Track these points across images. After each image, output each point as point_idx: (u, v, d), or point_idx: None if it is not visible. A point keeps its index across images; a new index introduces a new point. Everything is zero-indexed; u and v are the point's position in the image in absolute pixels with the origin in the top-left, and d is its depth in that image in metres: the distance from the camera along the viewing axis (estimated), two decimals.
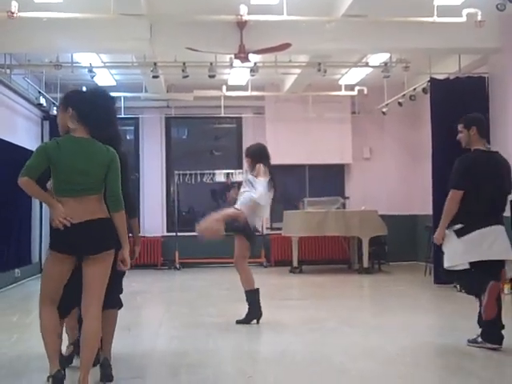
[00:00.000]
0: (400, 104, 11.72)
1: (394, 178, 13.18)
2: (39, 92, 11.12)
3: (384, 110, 12.28)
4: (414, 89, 11.15)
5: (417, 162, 12.85)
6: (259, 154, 7.12)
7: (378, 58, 10.54)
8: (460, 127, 5.56)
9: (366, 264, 11.36)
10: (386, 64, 10.42)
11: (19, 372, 4.75)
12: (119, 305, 4.59)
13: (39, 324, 3.94)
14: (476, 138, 5.47)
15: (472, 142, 5.49)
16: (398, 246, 12.58)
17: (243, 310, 6.69)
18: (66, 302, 4.10)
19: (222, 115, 12.67)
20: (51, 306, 3.96)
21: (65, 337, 4.50)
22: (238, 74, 11.25)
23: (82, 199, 3.85)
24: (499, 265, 5.27)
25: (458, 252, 5.27)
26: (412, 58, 10.30)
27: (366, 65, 10.87)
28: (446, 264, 5.38)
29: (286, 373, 4.78)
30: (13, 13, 7.10)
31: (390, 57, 10.38)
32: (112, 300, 4.37)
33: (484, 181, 5.32)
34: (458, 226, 5.33)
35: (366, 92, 12.20)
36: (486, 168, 5.38)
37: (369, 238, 11.35)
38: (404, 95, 11.54)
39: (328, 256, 12.80)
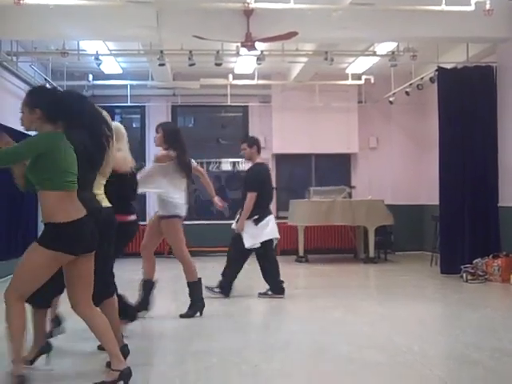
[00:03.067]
0: (407, 93, 11.67)
1: (400, 168, 13.15)
2: (45, 79, 11.10)
3: (391, 99, 12.23)
4: (422, 78, 11.10)
5: (423, 151, 12.81)
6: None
7: (385, 47, 10.47)
8: (243, 146, 7.66)
9: (372, 253, 11.36)
10: (393, 53, 10.36)
11: None
12: (116, 291, 4.65)
13: (10, 322, 3.74)
14: (255, 154, 7.67)
15: (253, 157, 7.66)
16: (405, 235, 12.58)
17: (251, 298, 6.70)
18: (47, 293, 4.19)
19: (229, 104, 12.65)
20: (24, 303, 3.84)
21: None
22: (244, 63, 11.21)
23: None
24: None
25: (254, 235, 7.41)
26: (419, 46, 10.24)
27: (374, 54, 10.81)
28: (248, 245, 7.39)
29: (292, 361, 4.79)
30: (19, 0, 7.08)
31: (398, 45, 10.32)
32: (110, 288, 4.48)
33: (267, 185, 7.74)
34: (256, 217, 7.42)
35: (372, 81, 12.15)
36: (268, 177, 7.82)
37: (375, 227, 11.34)
38: (411, 84, 11.48)
39: (334, 245, 12.79)
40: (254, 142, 7.74)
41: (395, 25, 8.75)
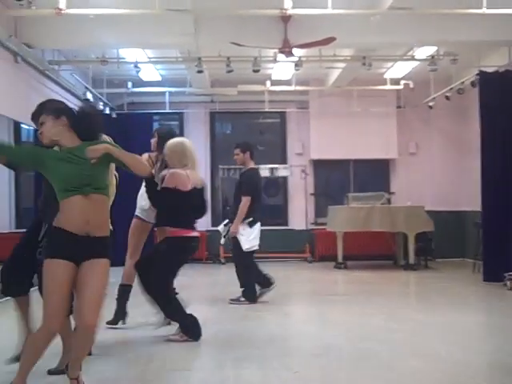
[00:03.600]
0: (447, 98, 11.51)
1: (440, 174, 12.96)
2: (86, 87, 11.27)
3: (430, 104, 12.08)
4: (462, 82, 10.93)
5: (464, 157, 12.59)
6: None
7: (424, 51, 10.35)
8: (237, 151, 7.76)
9: (412, 260, 11.20)
10: (432, 57, 10.22)
11: None
12: None
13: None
14: (249, 160, 7.77)
15: (246, 162, 7.77)
16: (445, 242, 12.37)
17: (291, 304, 6.67)
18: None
19: (266, 110, 12.66)
20: None
21: None
22: (282, 69, 11.20)
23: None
24: None
25: (251, 238, 7.51)
26: (460, 50, 10.09)
27: (412, 58, 10.69)
28: (246, 247, 7.47)
29: (333, 368, 4.74)
30: (61, 9, 7.20)
31: (438, 50, 10.19)
32: None
33: (259, 190, 7.99)
34: (250, 219, 7.54)
35: (411, 86, 12.00)
36: (260, 182, 8.07)
37: (415, 233, 11.19)
38: (451, 89, 11.32)
39: (373, 252, 12.66)
40: (248, 148, 7.83)
41: (435, 29, 8.63)
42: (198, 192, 5.57)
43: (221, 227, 7.85)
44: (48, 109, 3.90)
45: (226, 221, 7.81)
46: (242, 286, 7.65)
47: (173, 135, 6.19)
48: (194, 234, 5.53)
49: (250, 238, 7.55)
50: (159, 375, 4.56)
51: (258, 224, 7.71)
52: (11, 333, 4.66)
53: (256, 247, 7.68)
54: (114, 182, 5.80)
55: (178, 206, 5.32)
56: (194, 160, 5.60)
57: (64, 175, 3.62)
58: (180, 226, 5.37)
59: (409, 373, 4.54)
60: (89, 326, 3.57)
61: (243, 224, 7.52)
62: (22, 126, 10.24)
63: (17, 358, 4.30)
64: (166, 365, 4.80)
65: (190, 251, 5.58)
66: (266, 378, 4.46)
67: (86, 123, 3.82)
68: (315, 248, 12.87)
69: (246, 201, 7.54)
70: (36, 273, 4.29)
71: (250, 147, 7.93)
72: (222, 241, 7.92)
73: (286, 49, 8.31)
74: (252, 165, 7.89)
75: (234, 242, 7.59)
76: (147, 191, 5.50)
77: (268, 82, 12.02)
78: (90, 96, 11.17)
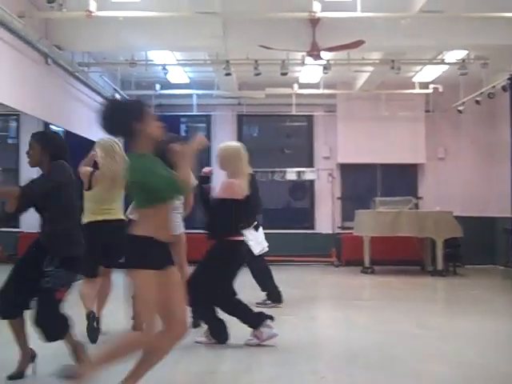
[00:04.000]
0: (477, 102, 11.34)
1: (469, 179, 12.79)
2: (114, 89, 11.35)
3: (460, 108, 11.92)
4: (493, 86, 10.79)
5: (495, 162, 12.43)
6: None
7: (454, 55, 10.24)
8: None
9: (440, 266, 11.06)
10: (463, 61, 10.10)
11: None
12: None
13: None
14: None
15: None
16: (475, 248, 12.18)
17: (318, 308, 6.64)
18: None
19: (294, 113, 12.62)
20: None
21: None
22: (309, 72, 11.17)
23: None
24: None
25: (259, 240, 7.42)
26: (491, 54, 9.95)
27: (442, 62, 10.58)
28: (257, 251, 7.27)
29: (360, 374, 4.69)
30: (91, 12, 7.26)
31: (468, 53, 10.07)
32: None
33: (258, 195, 7.55)
34: (255, 223, 7.38)
35: (441, 90, 11.88)
36: (257, 187, 7.46)
37: (443, 239, 11.05)
38: (482, 93, 11.16)
39: (400, 257, 12.53)
40: None
41: (465, 32, 8.54)
42: (248, 197, 5.64)
43: None
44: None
45: None
46: (263, 290, 7.62)
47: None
48: (241, 238, 5.65)
49: (258, 240, 7.49)
50: (186, 377, 4.56)
51: (261, 228, 7.66)
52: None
53: (266, 249, 7.62)
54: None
55: (234, 213, 5.41)
56: (247, 167, 5.68)
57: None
58: (233, 232, 5.44)
59: (437, 380, 4.48)
60: (185, 333, 3.68)
61: (249, 229, 7.36)
62: (52, 127, 10.35)
63: (17, 375, 4.34)
64: (193, 367, 4.79)
65: (242, 255, 5.62)
66: (293, 381, 4.43)
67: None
68: (341, 252, 12.79)
69: None
70: (34, 297, 4.22)
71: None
72: None
73: (315, 52, 8.28)
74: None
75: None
76: (201, 202, 5.58)
77: (296, 85, 11.99)
78: (118, 98, 11.23)
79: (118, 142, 5.77)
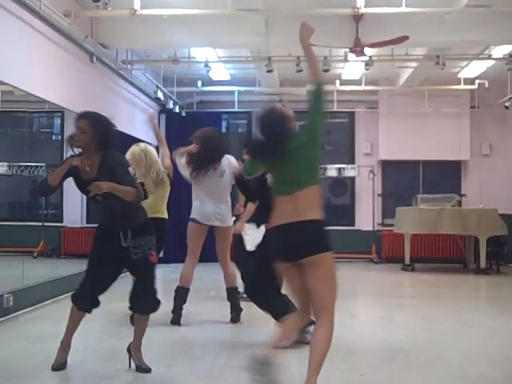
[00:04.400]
0: None
1: None
2: (157, 86, 11.48)
3: (507, 104, 11.68)
4: None
5: None
6: None
7: (501, 50, 10.04)
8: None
9: (483, 264, 10.89)
10: (510, 56, 9.90)
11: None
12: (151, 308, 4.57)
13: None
14: None
15: None
16: None
17: (358, 305, 6.63)
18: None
19: (335, 110, 12.55)
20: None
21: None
22: (352, 68, 11.09)
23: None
24: None
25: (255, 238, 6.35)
26: None
27: (489, 57, 10.38)
28: (249, 247, 6.37)
29: (400, 372, 4.67)
30: (135, 10, 7.35)
31: None
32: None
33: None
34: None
35: (487, 85, 11.67)
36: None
37: (487, 237, 10.88)
38: None
39: (442, 254, 12.38)
40: None
41: None
42: None
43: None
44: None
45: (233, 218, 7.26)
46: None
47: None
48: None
49: (255, 237, 7.19)
50: (224, 373, 4.60)
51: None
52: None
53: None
54: (167, 182, 6.02)
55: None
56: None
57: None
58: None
59: (481, 380, 4.43)
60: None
61: (250, 224, 6.80)
62: None
63: (60, 366, 4.47)
64: (232, 362, 4.83)
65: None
66: (332, 379, 4.42)
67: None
68: (381, 249, 12.69)
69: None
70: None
71: None
72: None
73: (358, 48, 8.21)
74: None
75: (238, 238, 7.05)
76: (243, 192, 5.61)
77: (337, 82, 11.92)
78: (160, 95, 11.36)
79: (147, 150, 5.93)
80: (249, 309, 6.18)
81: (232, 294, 6.41)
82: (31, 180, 10.77)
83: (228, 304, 6.40)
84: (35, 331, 5.87)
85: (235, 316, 6.31)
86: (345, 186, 13.44)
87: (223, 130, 13.03)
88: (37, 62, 6.98)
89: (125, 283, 4.76)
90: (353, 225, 13.29)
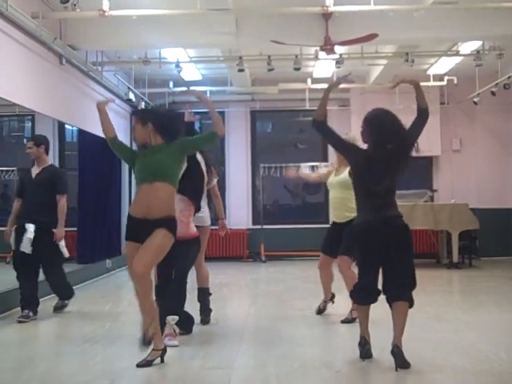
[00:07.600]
0: (493, 93, 11.26)
1: (485, 171, 12.74)
2: (128, 88, 11.42)
3: (475, 99, 11.85)
4: (509, 77, 10.71)
5: (510, 153, 12.37)
6: None
7: (469, 46, 10.17)
8: (29, 144, 6.86)
9: (455, 259, 11.03)
10: (478, 52, 10.05)
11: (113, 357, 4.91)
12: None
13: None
14: (45, 155, 6.84)
15: (41, 157, 6.81)
16: (491, 240, 12.14)
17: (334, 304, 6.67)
18: None
19: (307, 108, 12.59)
20: None
21: None
22: (323, 67, 11.16)
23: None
24: None
25: None
26: (506, 44, 9.87)
27: (457, 53, 10.52)
28: None
29: (374, 368, 4.70)
30: (104, 11, 7.31)
31: (483, 44, 10.00)
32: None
33: None
34: None
35: (455, 82, 11.82)
36: None
37: (459, 232, 11.02)
38: (497, 84, 11.09)
39: (415, 250, 12.42)
40: (43, 142, 6.84)
41: (480, 23, 8.49)
42: None
43: None
44: (137, 117, 5.05)
45: None
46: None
47: None
48: None
49: None
50: (201, 374, 4.59)
51: None
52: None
53: None
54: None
55: None
56: None
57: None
58: None
59: (453, 372, 4.49)
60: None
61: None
62: (66, 126, 10.44)
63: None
64: (208, 363, 4.83)
65: None
66: (308, 376, 4.45)
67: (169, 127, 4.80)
68: None
69: None
70: None
71: (47, 141, 6.96)
72: None
73: (328, 46, 8.28)
74: (49, 161, 7.00)
75: None
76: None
77: (309, 80, 11.98)
78: (132, 96, 11.31)
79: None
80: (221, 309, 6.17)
81: (203, 295, 6.37)
82: (2, 184, 10.65)
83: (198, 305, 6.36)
84: None
85: (204, 318, 6.27)
86: (318, 184, 13.48)
87: (197, 130, 13.00)
88: (5, 65, 6.90)
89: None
90: (327, 222, 13.29)
